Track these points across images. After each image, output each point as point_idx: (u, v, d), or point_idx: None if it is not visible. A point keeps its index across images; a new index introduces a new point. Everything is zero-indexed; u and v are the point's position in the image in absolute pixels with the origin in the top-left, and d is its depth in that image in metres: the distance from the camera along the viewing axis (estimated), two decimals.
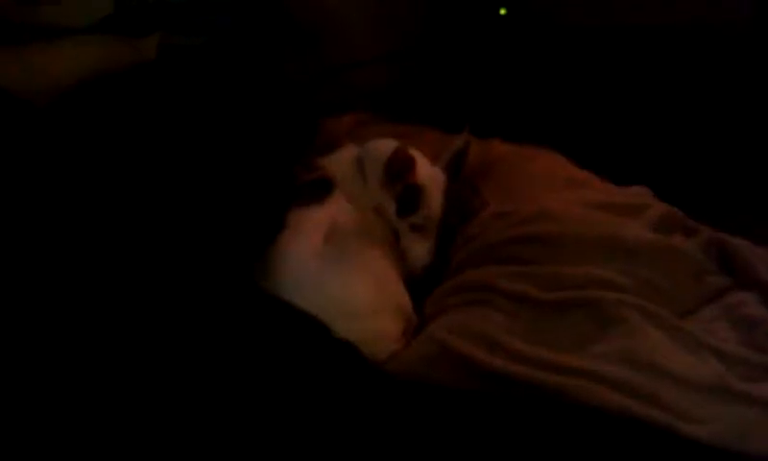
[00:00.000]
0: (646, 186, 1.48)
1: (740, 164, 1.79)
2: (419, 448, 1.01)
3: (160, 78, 1.53)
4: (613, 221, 1.36)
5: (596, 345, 1.13)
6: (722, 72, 1.84)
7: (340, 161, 1.49)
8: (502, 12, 1.97)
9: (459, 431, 1.04)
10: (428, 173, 1.45)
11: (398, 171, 1.40)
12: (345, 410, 1.05)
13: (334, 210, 1.38)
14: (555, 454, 1.01)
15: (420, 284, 1.36)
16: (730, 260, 1.29)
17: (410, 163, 1.41)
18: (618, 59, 1.90)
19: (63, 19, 1.54)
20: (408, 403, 1.10)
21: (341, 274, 1.28)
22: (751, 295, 1.21)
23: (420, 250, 1.39)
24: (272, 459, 0.97)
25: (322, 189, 1.42)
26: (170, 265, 1.18)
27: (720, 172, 1.79)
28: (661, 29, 1.87)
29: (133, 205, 1.22)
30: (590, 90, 1.92)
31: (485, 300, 1.23)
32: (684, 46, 1.87)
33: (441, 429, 1.05)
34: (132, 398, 0.98)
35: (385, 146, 1.46)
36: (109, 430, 0.95)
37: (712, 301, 1.24)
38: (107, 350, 1.02)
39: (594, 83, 1.92)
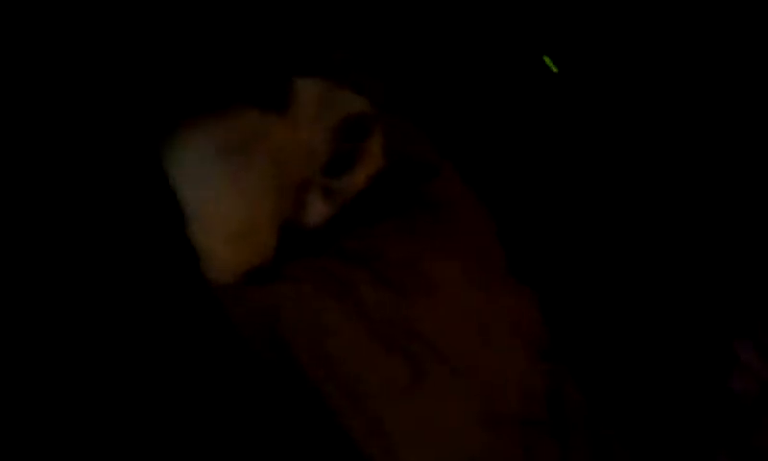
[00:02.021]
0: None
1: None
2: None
3: None
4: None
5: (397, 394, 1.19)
6: None
7: (310, 87, 1.47)
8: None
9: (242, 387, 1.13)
10: (372, 152, 1.45)
11: (356, 131, 1.40)
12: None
13: (270, 124, 1.37)
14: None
15: (298, 240, 1.38)
16: None
17: (371, 131, 1.41)
18: None
19: None
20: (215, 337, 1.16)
21: (234, 185, 1.29)
22: None
23: (319, 213, 1.40)
24: None
25: (280, 101, 1.41)
26: None
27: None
28: None
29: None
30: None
31: (337, 296, 1.27)
32: None
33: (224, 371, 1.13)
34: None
35: (356, 102, 1.46)
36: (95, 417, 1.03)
37: None
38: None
39: None
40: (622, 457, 1.27)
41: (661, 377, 1.41)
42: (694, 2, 1.76)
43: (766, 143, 1.65)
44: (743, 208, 1.60)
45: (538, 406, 1.28)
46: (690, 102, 1.73)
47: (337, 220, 1.43)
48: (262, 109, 1.39)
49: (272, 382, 1.18)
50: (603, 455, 1.26)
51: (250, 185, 1.31)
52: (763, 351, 1.38)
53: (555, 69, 1.94)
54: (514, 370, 1.30)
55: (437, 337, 1.29)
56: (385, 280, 1.33)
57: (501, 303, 1.37)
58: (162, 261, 1.18)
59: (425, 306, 1.32)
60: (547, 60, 1.93)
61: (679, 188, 1.66)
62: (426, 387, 1.23)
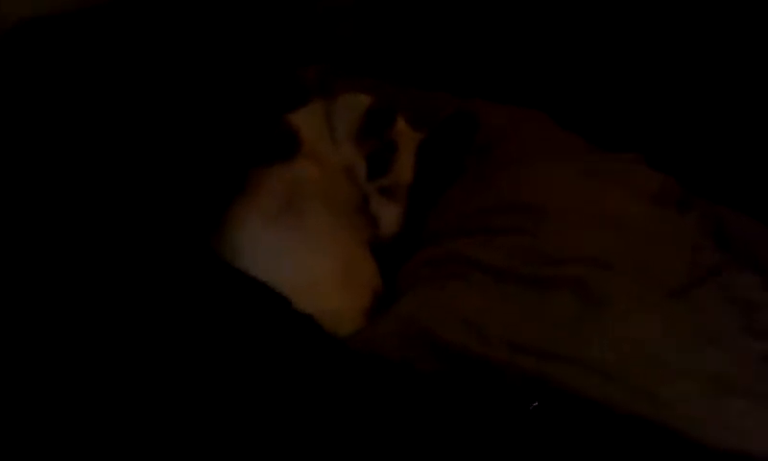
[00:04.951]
0: (639, 154, 1.37)
1: (746, 130, 1.60)
2: (382, 428, 0.93)
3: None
4: (601, 190, 1.25)
5: (581, 328, 1.03)
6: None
7: (308, 117, 1.37)
8: None
9: (426, 412, 0.96)
10: (403, 131, 1.34)
11: (377, 124, 1.31)
12: (305, 387, 0.97)
13: (298, 171, 1.28)
14: (529, 441, 0.93)
15: (390, 253, 1.26)
16: (728, 237, 1.19)
17: (391, 117, 1.32)
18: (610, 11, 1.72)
19: None
20: (373, 382, 1.01)
21: (300, 244, 1.19)
22: (750, 276, 1.11)
23: (390, 216, 1.29)
24: (231, 434, 0.91)
25: (288, 148, 1.31)
26: (124, 230, 1.08)
27: (724, 139, 1.60)
28: None
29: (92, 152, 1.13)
30: (577, 44, 1.75)
31: (460, 273, 1.13)
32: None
33: (405, 409, 0.97)
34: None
35: (362, 99, 1.37)
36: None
37: (707, 281, 1.12)
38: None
39: (581, 35, 1.75)
40: None
41: None
42: None
43: None
44: None
45: None
46: None
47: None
48: (279, 160, 1.28)
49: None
50: None
51: (322, 229, 1.21)
52: None
53: None
54: None
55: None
56: (488, 228, 1.20)
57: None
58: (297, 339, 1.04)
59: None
60: None
61: None
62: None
